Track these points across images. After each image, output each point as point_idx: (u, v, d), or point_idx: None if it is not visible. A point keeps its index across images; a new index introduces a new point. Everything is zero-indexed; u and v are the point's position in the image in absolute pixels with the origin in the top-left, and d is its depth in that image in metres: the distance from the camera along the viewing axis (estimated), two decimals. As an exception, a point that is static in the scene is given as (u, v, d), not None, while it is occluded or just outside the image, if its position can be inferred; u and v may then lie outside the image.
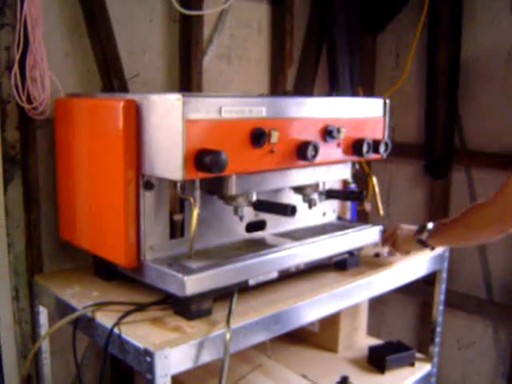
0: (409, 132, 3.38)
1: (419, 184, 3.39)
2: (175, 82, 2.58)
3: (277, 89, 2.98)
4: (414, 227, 2.23)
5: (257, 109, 1.76)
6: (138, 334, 1.64)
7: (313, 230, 2.24)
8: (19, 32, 1.93)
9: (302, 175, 2.02)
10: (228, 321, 1.71)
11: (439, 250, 2.49)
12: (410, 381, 2.57)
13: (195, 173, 1.61)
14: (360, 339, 2.84)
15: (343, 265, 2.22)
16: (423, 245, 2.19)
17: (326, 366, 2.62)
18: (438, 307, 2.65)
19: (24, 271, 2.14)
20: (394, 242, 2.30)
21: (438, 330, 2.69)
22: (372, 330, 3.06)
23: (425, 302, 3.29)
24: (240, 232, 2.07)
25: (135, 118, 1.71)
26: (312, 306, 1.99)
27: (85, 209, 1.97)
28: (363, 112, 2.17)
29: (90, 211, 1.95)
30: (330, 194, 2.22)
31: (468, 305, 3.23)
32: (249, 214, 2.02)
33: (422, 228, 2.18)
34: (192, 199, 1.70)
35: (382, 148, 2.15)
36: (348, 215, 2.68)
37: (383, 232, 2.33)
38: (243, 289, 1.87)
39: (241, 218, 1.94)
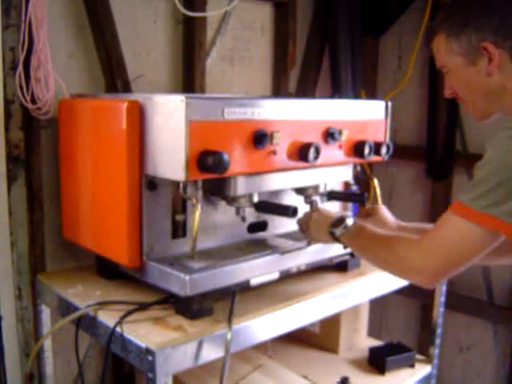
0: (410, 134, 3.39)
1: (420, 186, 3.40)
2: (178, 83, 2.59)
3: (279, 91, 2.99)
4: (334, 216, 1.90)
5: (259, 110, 1.77)
6: (140, 333, 1.65)
7: (314, 231, 2.25)
8: (24, 32, 1.95)
9: (303, 177, 2.03)
10: (229, 320, 1.72)
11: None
12: (410, 382, 2.57)
13: (198, 173, 1.63)
14: (360, 340, 2.84)
15: (344, 266, 2.23)
16: (335, 240, 1.84)
17: (327, 367, 2.62)
18: (439, 309, 2.66)
19: (27, 270, 2.16)
20: (305, 225, 1.98)
21: (439, 331, 2.70)
22: (372, 332, 3.06)
23: (425, 303, 3.30)
24: (242, 233, 2.08)
25: (138, 118, 1.72)
26: (313, 307, 2.01)
27: (88, 208, 1.98)
28: (365, 114, 2.18)
29: (93, 211, 1.96)
30: (331, 196, 2.22)
31: (468, 307, 3.24)
32: (251, 215, 2.03)
33: (340, 221, 1.83)
34: (194, 199, 1.72)
35: (383, 150, 2.17)
36: (349, 217, 2.69)
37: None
38: (244, 289, 1.88)
39: (243, 219, 1.96)
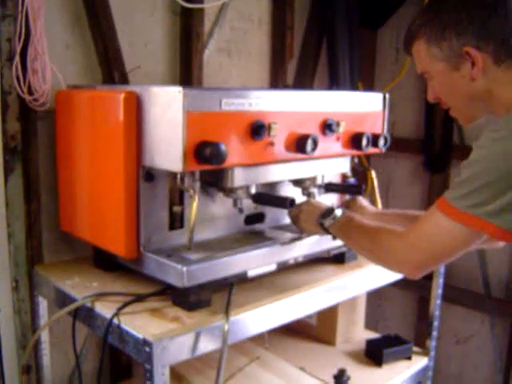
0: (408, 127, 3.39)
1: (418, 179, 3.40)
2: (176, 75, 2.58)
3: (277, 82, 2.98)
4: (324, 207, 1.91)
5: (257, 102, 1.77)
6: (137, 324, 1.65)
7: (311, 223, 2.25)
8: (21, 23, 1.94)
9: (301, 168, 2.03)
10: (227, 312, 1.72)
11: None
12: (406, 374, 2.58)
13: (195, 165, 1.63)
14: (358, 332, 2.85)
15: (341, 258, 2.23)
16: (324, 230, 1.88)
17: (324, 359, 2.63)
18: (436, 301, 2.66)
19: (24, 262, 2.15)
20: (296, 217, 1.99)
21: (436, 324, 2.70)
22: (370, 324, 3.07)
23: (422, 296, 3.31)
24: (239, 224, 2.08)
25: (136, 109, 1.72)
26: (310, 299, 2.01)
27: (85, 200, 1.98)
28: (363, 106, 2.18)
29: (91, 202, 1.96)
30: (328, 188, 2.23)
31: (465, 299, 3.24)
32: (248, 207, 2.03)
33: (329, 212, 1.86)
34: (192, 191, 1.71)
35: (381, 142, 2.17)
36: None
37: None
38: (242, 280, 1.89)
39: (240, 211, 1.96)
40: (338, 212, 1.85)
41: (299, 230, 2.02)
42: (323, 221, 1.86)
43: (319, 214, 1.88)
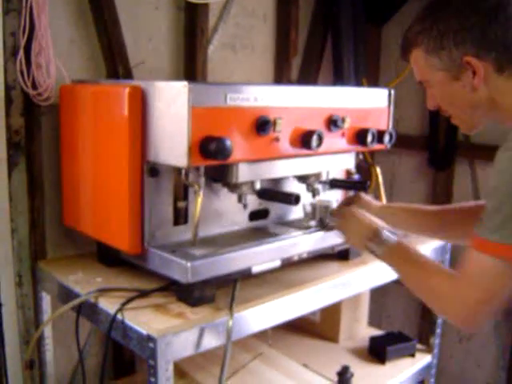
0: (413, 124, 3.38)
1: (422, 176, 3.39)
2: (180, 70, 2.57)
3: (281, 78, 2.97)
4: (373, 227, 1.75)
5: (262, 97, 1.76)
6: (141, 320, 1.65)
7: (316, 219, 2.24)
8: (25, 18, 1.93)
9: (306, 164, 2.02)
10: (231, 308, 1.72)
11: (440, 242, 2.49)
12: (410, 371, 2.58)
13: (200, 160, 1.62)
14: (361, 329, 2.85)
15: (346, 254, 2.23)
16: (371, 252, 1.74)
17: (327, 356, 2.62)
18: (440, 299, 2.65)
19: (27, 257, 2.15)
20: (344, 229, 1.91)
21: (439, 321, 2.70)
22: (373, 321, 3.06)
23: (426, 293, 3.29)
24: (243, 220, 2.08)
25: (141, 104, 1.71)
26: (314, 295, 2.00)
27: (89, 195, 1.97)
28: (368, 102, 2.17)
29: (94, 197, 1.95)
30: (333, 184, 2.22)
31: (469, 297, 3.23)
32: (252, 203, 2.02)
33: (375, 234, 1.71)
34: (196, 186, 1.71)
35: (386, 138, 2.16)
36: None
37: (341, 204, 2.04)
38: (246, 277, 1.88)
39: (244, 206, 1.95)
40: (387, 236, 1.69)
41: (344, 238, 1.94)
42: (371, 245, 1.72)
43: (367, 235, 1.73)
